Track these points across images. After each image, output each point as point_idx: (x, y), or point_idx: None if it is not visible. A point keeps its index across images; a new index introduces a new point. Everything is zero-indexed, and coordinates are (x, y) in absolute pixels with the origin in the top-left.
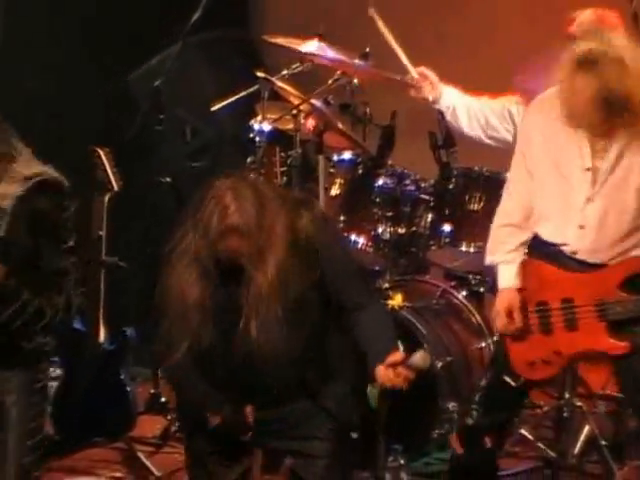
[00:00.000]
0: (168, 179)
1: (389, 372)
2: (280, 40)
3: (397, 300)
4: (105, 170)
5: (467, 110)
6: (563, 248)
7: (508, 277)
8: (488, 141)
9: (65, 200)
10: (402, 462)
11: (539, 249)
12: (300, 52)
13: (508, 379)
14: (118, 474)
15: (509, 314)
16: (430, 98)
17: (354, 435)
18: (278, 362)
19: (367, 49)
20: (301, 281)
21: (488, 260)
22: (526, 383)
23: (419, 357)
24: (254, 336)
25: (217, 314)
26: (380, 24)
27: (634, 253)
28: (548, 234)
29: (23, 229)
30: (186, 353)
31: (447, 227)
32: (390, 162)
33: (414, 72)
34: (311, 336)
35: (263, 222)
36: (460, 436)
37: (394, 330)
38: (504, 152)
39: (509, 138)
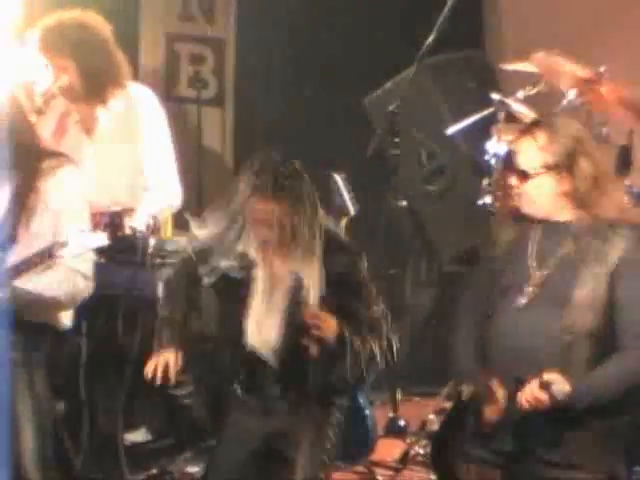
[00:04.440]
0: (404, 202)
1: (531, 388)
2: (516, 62)
3: None
4: (342, 195)
5: None
6: None
7: None
8: None
9: (358, 258)
10: None
11: None
12: (535, 73)
13: None
14: None
15: None
16: None
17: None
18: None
19: (602, 68)
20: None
21: None
22: None
23: (561, 390)
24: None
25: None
26: None
27: None
28: None
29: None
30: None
31: None
32: (628, 182)
33: None
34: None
35: None
36: None
37: (611, 384)
38: None
39: None
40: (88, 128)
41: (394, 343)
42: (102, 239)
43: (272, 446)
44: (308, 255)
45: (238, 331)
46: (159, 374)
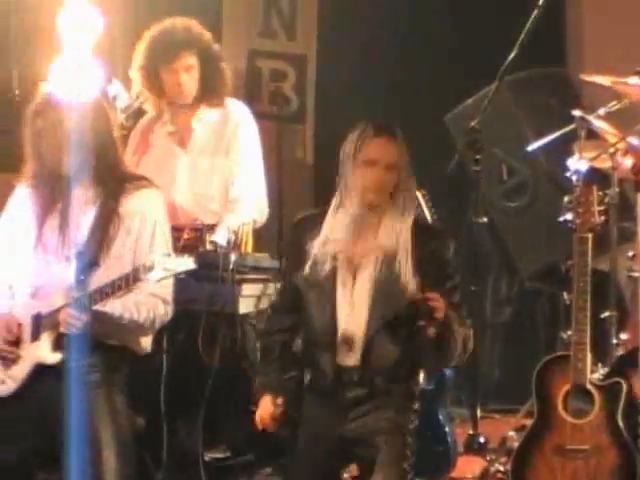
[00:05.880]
0: (485, 219)
1: None
2: (598, 78)
3: None
4: (423, 211)
5: None
6: None
7: None
8: None
9: (449, 240)
10: None
11: None
12: (617, 90)
13: None
14: None
15: None
16: None
17: None
18: None
19: None
20: None
21: None
22: None
23: None
24: None
25: None
26: None
27: None
28: None
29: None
30: None
31: None
32: None
33: None
34: None
35: None
36: None
37: None
38: None
39: None
40: (182, 139)
41: (471, 333)
42: (189, 263)
43: (350, 451)
44: (407, 215)
45: (328, 324)
46: (260, 424)
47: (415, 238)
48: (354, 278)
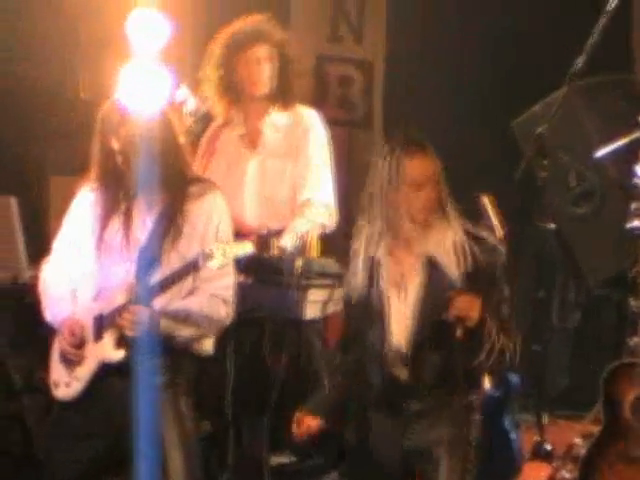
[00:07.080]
0: (552, 225)
1: None
2: None
3: None
4: (490, 218)
5: None
6: None
7: None
8: None
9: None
10: None
11: None
12: None
13: None
14: None
15: None
16: None
17: None
18: None
19: None
20: None
21: None
22: None
23: None
24: None
25: None
26: None
27: None
28: None
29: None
30: None
31: None
32: None
33: None
34: None
35: None
36: None
37: None
38: None
39: None
40: (252, 141)
41: (517, 346)
42: (247, 248)
43: (412, 465)
44: (452, 225)
45: (379, 339)
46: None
47: (466, 248)
48: (405, 291)
